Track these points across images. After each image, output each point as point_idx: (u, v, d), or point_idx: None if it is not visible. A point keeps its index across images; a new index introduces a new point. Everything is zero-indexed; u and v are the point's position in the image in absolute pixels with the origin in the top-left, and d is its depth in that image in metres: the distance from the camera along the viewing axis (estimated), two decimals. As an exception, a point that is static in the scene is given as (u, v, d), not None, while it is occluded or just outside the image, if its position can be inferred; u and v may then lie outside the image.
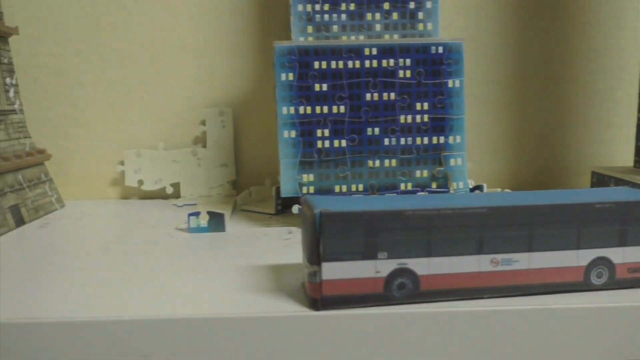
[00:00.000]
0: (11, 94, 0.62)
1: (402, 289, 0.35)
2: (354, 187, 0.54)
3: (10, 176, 0.58)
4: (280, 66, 0.53)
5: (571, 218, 0.36)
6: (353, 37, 0.55)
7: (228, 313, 0.34)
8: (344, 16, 0.55)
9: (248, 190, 0.69)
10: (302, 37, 0.55)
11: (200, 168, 0.73)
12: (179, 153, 0.72)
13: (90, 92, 0.72)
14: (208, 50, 0.72)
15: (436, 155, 0.54)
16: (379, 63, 0.53)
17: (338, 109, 0.53)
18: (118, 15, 0.71)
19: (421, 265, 0.35)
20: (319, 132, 0.53)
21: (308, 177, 0.54)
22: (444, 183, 0.55)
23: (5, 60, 0.62)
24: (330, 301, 0.34)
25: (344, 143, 0.54)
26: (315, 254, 0.34)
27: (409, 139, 0.54)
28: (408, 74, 0.54)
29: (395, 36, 0.55)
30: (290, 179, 0.53)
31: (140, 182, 0.73)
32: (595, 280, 0.37)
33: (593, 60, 0.74)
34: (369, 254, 0.34)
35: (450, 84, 0.54)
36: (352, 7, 0.55)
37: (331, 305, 0.34)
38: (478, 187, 0.57)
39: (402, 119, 0.54)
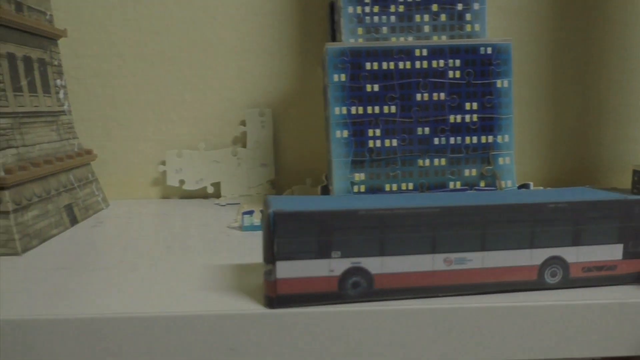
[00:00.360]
0: (61, 95, 0.63)
1: (356, 288, 0.35)
2: (404, 186, 0.55)
3: (63, 176, 0.59)
4: (332, 67, 0.54)
5: (524, 218, 0.36)
6: (402, 39, 0.56)
7: (182, 311, 0.34)
8: (393, 18, 0.56)
9: (290, 189, 0.70)
10: (352, 39, 0.56)
11: (240, 168, 0.74)
12: (219, 153, 0.73)
13: (131, 93, 0.74)
14: (248, 52, 0.73)
15: (485, 154, 0.55)
16: (429, 64, 0.54)
17: (389, 109, 0.54)
18: (159, 17, 0.72)
19: (375, 264, 0.35)
20: (370, 132, 0.54)
21: (359, 176, 0.54)
22: (492, 182, 0.55)
23: (56, 62, 0.63)
24: (285, 299, 0.34)
25: (394, 142, 0.55)
26: (270, 253, 0.34)
27: (459, 138, 0.55)
28: (457, 74, 0.54)
29: (444, 37, 0.56)
30: (343, 178, 0.54)
31: (182, 181, 0.74)
32: (549, 279, 0.37)
33: (628, 59, 0.75)
34: (323, 253, 0.34)
35: (499, 84, 0.55)
36: (401, 9, 0.56)
37: (286, 303, 0.34)
38: (524, 186, 0.58)
39: (451, 118, 0.55)
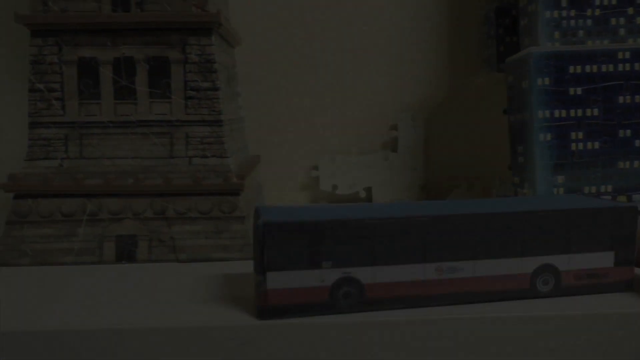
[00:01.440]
0: (240, 102, 0.64)
1: (348, 298, 0.35)
2: (603, 189, 0.55)
3: (252, 179, 0.60)
4: (536, 71, 0.54)
5: (514, 226, 0.36)
6: (597, 42, 0.56)
7: (172, 323, 0.34)
8: (589, 21, 0.56)
9: (452, 192, 0.71)
10: (549, 43, 0.56)
11: (391, 172, 0.74)
12: (371, 158, 0.74)
13: (284, 99, 0.74)
14: (399, 57, 0.74)
15: (685, 157, 0.55)
16: (632, 66, 0.54)
17: (592, 112, 0.55)
18: (313, 22, 0.73)
19: (366, 274, 0.35)
20: (573, 135, 0.55)
21: (561, 179, 0.55)
22: (690, 183, 0.55)
23: (236, 70, 0.64)
24: (276, 310, 0.34)
25: (596, 145, 0.55)
26: (260, 264, 0.34)
27: (660, 140, 0.55)
28: (660, 76, 0.55)
29: (639, 40, 0.56)
30: (546, 181, 0.55)
31: (334, 186, 0.74)
32: (541, 288, 0.37)
33: None
34: (314, 263, 0.34)
35: (699, 86, 0.55)
36: (597, 12, 0.56)
37: (277, 314, 0.34)
38: None
39: (653, 121, 0.55)
